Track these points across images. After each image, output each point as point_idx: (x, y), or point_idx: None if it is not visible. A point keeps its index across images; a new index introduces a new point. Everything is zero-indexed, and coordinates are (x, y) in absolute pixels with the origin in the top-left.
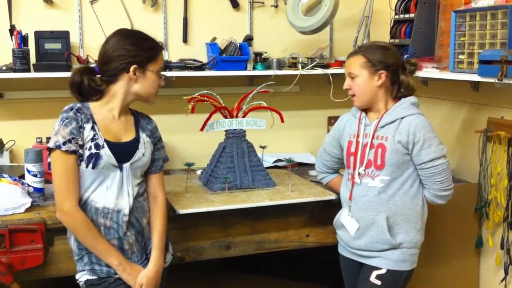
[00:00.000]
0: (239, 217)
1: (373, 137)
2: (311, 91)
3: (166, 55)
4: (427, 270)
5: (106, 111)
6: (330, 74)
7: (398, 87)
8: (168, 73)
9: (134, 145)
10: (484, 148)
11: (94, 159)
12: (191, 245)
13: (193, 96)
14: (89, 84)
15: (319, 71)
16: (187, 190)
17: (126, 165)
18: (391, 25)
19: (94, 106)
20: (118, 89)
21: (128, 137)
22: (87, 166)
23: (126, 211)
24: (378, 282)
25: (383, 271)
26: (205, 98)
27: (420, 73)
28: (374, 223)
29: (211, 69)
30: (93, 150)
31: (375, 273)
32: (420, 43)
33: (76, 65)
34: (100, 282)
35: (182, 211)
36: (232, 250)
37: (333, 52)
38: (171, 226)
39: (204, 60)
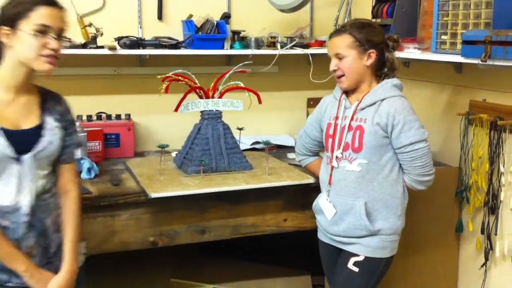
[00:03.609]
0: (215, 201)
1: (352, 119)
2: (290, 71)
3: (140, 33)
4: (406, 254)
5: (1, 92)
6: (310, 54)
7: (382, 65)
8: (142, 51)
9: (37, 132)
10: (466, 131)
11: None
12: (165, 230)
13: (167, 75)
14: None
15: (298, 51)
16: (161, 172)
17: (26, 157)
18: (373, 4)
19: None
20: (4, 64)
21: (30, 122)
22: None
23: (26, 210)
24: (356, 269)
25: (361, 258)
26: (180, 77)
27: (401, 54)
28: (352, 209)
29: (186, 48)
30: None
31: (353, 259)
32: (402, 23)
33: None
34: None
35: (154, 194)
36: (207, 234)
37: (313, 32)
38: (143, 210)
39: (180, 38)
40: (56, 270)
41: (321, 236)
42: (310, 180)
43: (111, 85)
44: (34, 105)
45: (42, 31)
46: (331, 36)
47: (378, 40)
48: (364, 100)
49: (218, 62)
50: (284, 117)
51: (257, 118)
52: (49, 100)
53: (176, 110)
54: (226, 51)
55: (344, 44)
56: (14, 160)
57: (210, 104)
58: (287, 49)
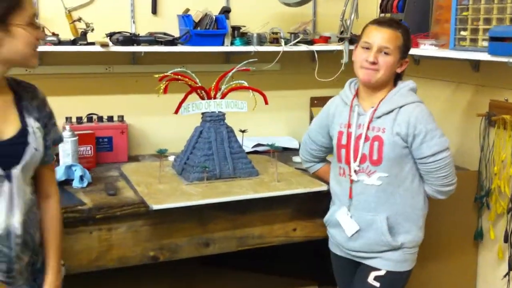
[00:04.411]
0: (219, 211)
1: (368, 128)
2: (292, 69)
3: (133, 28)
4: (421, 263)
5: None
6: (316, 51)
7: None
8: (136, 48)
9: (21, 140)
10: (486, 133)
11: None
12: (166, 243)
13: (165, 74)
14: None
15: (303, 47)
16: (160, 180)
17: (15, 172)
18: None
19: None
20: None
21: (10, 129)
22: None
23: (19, 231)
24: (377, 284)
25: (382, 272)
26: (179, 76)
27: (416, 51)
28: (372, 225)
29: (183, 44)
30: None
31: (373, 274)
32: (413, 18)
33: None
34: None
35: (156, 206)
36: (211, 247)
37: (316, 27)
38: (142, 223)
39: (176, 34)
40: (40, 286)
41: (334, 249)
42: (323, 187)
43: (102, 85)
44: (9, 106)
45: (33, 21)
46: (382, 25)
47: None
48: (380, 108)
49: (216, 59)
50: (286, 117)
51: (258, 119)
52: (23, 96)
53: (176, 112)
54: (227, 47)
55: (396, 43)
56: (4, 178)
57: (212, 105)
58: (291, 45)
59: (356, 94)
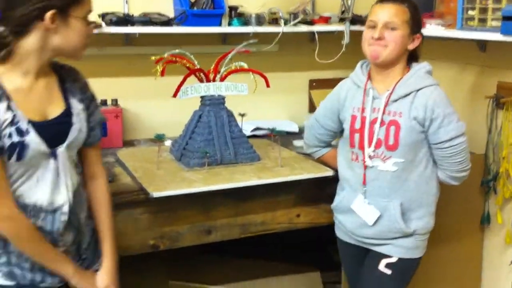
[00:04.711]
0: (221, 198)
1: (383, 112)
2: (290, 51)
3: (125, 8)
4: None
5: (20, 77)
6: (316, 32)
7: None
8: (130, 29)
9: (65, 120)
10: (494, 116)
11: (19, 149)
12: (166, 231)
13: (162, 56)
14: None
15: (303, 28)
16: (158, 166)
17: (61, 150)
18: None
19: (1, 73)
20: (32, 44)
21: (55, 109)
22: (9, 158)
23: (65, 208)
24: (388, 272)
25: (393, 259)
26: (177, 58)
27: (423, 31)
28: (386, 211)
29: (179, 25)
30: (15, 138)
31: (384, 261)
32: None
33: None
34: None
35: (157, 193)
36: (213, 235)
37: (315, 7)
38: (141, 210)
39: (170, 14)
40: (88, 267)
41: (342, 236)
42: (329, 172)
43: (95, 67)
44: (54, 88)
45: (87, 17)
46: (386, 2)
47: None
48: (396, 91)
49: (212, 41)
50: (285, 100)
51: (255, 102)
52: (66, 78)
53: (174, 95)
54: (224, 28)
55: (402, 16)
56: (50, 156)
57: (211, 89)
58: (291, 26)
59: (369, 77)
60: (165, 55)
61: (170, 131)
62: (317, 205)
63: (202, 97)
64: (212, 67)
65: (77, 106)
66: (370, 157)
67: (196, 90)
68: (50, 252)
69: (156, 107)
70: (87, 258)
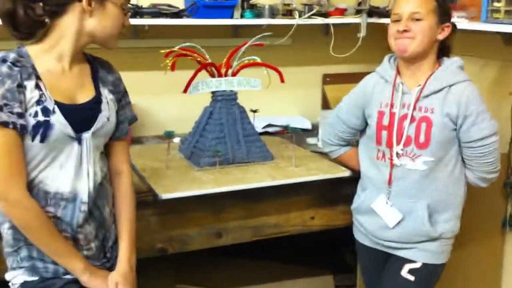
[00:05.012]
0: (232, 199)
1: (414, 108)
2: (304, 44)
3: None
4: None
5: (53, 60)
6: (332, 24)
7: (445, 46)
8: (138, 21)
9: (94, 106)
10: None
11: (43, 129)
12: (175, 234)
13: (172, 49)
14: (25, 14)
15: (318, 20)
16: (167, 165)
17: (86, 136)
18: None
19: (35, 53)
20: (68, 26)
21: (85, 95)
22: (33, 139)
23: (85, 198)
24: (412, 278)
25: (417, 264)
26: (188, 52)
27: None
28: (412, 212)
29: (190, 17)
30: (41, 117)
31: (407, 266)
32: None
33: None
34: (43, 286)
35: (166, 195)
36: (224, 238)
37: None
38: (149, 212)
39: (180, 5)
40: (111, 267)
41: (362, 239)
42: (346, 173)
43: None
44: (86, 75)
45: (125, 7)
46: None
47: (451, 13)
48: (428, 86)
49: (223, 33)
50: (297, 96)
51: (266, 98)
52: (99, 69)
53: (185, 91)
54: (237, 20)
55: (427, 5)
56: (75, 140)
57: (223, 84)
58: (305, 18)
59: (398, 72)
60: (175, 49)
61: (180, 128)
62: (332, 206)
63: (213, 92)
64: (224, 61)
65: (107, 95)
66: (398, 155)
67: (207, 85)
68: (60, 244)
69: (165, 103)
70: (111, 258)
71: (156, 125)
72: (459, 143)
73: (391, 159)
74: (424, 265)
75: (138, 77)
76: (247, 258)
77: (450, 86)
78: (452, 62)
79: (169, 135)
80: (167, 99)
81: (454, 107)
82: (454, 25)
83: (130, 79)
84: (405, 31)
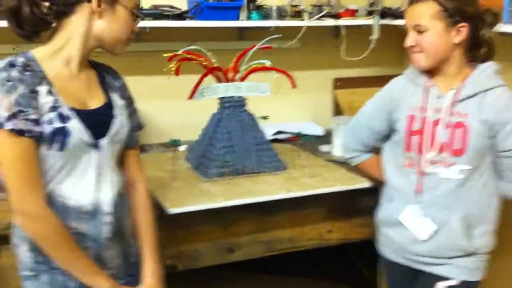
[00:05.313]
0: (243, 212)
1: (448, 113)
2: (313, 47)
3: None
4: None
5: (61, 64)
6: (345, 26)
7: (475, 46)
8: (140, 23)
9: (107, 112)
10: None
11: (61, 137)
12: (184, 250)
13: (176, 53)
14: (31, 12)
15: (328, 22)
16: (173, 176)
17: (104, 142)
18: None
19: (42, 56)
20: (76, 27)
21: (96, 101)
22: (50, 148)
23: (108, 208)
24: None
25: (454, 281)
26: (192, 56)
27: None
28: (446, 225)
29: (193, 18)
30: (57, 124)
31: (442, 284)
32: None
33: None
34: None
35: (173, 209)
36: (235, 253)
37: None
38: (157, 227)
39: (183, 6)
40: (137, 284)
41: (389, 254)
42: (365, 184)
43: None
44: (93, 81)
45: (135, 11)
46: (412, 2)
47: (472, 12)
48: (463, 90)
49: (228, 36)
50: (307, 101)
51: (274, 103)
52: (106, 75)
53: (190, 97)
54: (243, 22)
55: (427, 13)
56: (92, 147)
57: (231, 89)
58: (315, 19)
59: (428, 75)
60: (179, 52)
61: (185, 135)
62: (350, 219)
63: (220, 98)
64: (230, 65)
65: (118, 101)
66: (431, 162)
67: (214, 91)
68: (83, 261)
69: (170, 109)
70: (135, 275)
71: (160, 132)
72: (494, 152)
73: (421, 166)
74: (463, 283)
75: (140, 82)
76: (260, 272)
77: (485, 91)
78: (487, 67)
79: (175, 144)
80: (172, 105)
81: (491, 113)
82: (475, 24)
83: (131, 84)
84: (412, 46)
